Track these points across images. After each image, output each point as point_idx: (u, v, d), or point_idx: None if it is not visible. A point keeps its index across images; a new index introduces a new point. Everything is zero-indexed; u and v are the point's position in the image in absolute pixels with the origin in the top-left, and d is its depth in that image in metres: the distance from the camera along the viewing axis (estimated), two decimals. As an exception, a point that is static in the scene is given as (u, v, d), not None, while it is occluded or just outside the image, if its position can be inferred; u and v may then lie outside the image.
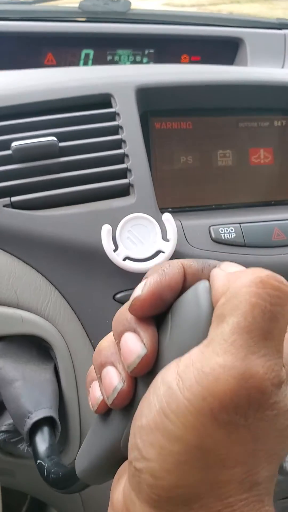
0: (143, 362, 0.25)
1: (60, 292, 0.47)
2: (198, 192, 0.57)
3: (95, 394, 0.28)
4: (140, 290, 0.26)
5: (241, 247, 0.48)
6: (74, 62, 0.90)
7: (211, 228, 0.49)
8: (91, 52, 0.90)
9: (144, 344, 0.25)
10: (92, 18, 0.90)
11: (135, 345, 0.25)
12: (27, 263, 0.47)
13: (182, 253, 0.47)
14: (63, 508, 0.63)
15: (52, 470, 0.36)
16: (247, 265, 0.48)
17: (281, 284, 0.22)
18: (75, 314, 0.47)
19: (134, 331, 0.26)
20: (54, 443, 0.40)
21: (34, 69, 0.62)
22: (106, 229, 0.45)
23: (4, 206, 0.46)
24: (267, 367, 0.21)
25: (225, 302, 0.23)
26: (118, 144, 0.50)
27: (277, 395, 0.21)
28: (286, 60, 0.90)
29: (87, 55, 0.90)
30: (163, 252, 0.46)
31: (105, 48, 0.90)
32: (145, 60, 0.92)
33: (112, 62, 0.91)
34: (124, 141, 0.50)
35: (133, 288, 0.46)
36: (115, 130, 0.51)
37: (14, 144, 0.48)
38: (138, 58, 0.92)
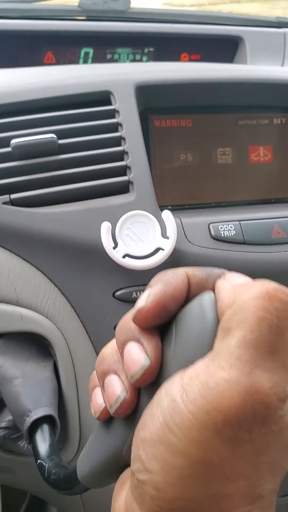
0: (147, 373, 0.25)
1: (59, 290, 0.47)
2: (197, 190, 0.57)
3: (97, 401, 0.28)
4: (144, 301, 0.26)
5: (241, 245, 0.48)
6: (74, 61, 0.90)
7: (210, 226, 0.49)
8: (90, 51, 0.90)
9: (147, 354, 0.25)
10: (92, 16, 0.90)
11: (138, 355, 0.25)
12: (26, 261, 0.47)
13: (182, 250, 0.47)
14: (63, 506, 0.63)
15: (53, 471, 0.35)
16: (246, 262, 0.49)
17: None
18: (75, 311, 0.47)
19: (138, 341, 0.26)
20: (54, 442, 0.40)
21: (34, 67, 0.62)
22: (105, 226, 0.45)
23: (4, 203, 0.46)
24: (273, 382, 0.21)
25: (231, 315, 0.22)
26: (118, 141, 0.50)
27: (282, 410, 0.21)
28: (285, 59, 0.90)
29: (86, 54, 0.90)
30: (163, 250, 0.46)
31: (104, 47, 0.90)
32: (144, 58, 0.92)
33: (112, 60, 0.91)
34: (124, 139, 0.50)
35: (132, 286, 0.47)
36: (115, 127, 0.51)
37: (13, 141, 0.48)
38: (137, 57, 0.91)
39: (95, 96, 0.53)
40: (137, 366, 0.25)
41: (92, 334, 0.47)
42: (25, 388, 0.43)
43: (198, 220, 0.49)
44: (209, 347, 0.23)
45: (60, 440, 0.48)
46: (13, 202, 0.47)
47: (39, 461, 0.38)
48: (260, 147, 0.59)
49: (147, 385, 0.25)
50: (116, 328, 0.28)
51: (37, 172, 0.48)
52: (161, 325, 0.27)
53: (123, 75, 0.55)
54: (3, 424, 0.45)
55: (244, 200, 0.58)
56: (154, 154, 0.56)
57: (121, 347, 0.26)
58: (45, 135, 0.48)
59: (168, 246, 0.46)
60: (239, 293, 0.23)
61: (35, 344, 0.48)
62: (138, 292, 0.47)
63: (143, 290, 0.46)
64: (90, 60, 0.90)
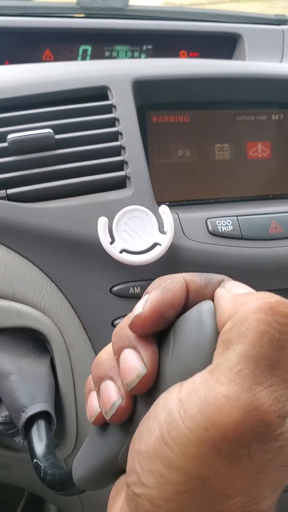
0: (143, 381, 0.24)
1: (56, 285, 0.47)
2: (195, 186, 0.57)
3: (93, 405, 0.28)
4: (141, 308, 0.25)
5: (238, 240, 0.48)
6: (72, 58, 0.90)
7: (208, 221, 0.49)
8: (89, 48, 0.89)
9: (144, 363, 0.24)
10: (90, 14, 0.90)
11: (135, 363, 0.25)
12: (23, 256, 0.46)
13: (179, 245, 0.47)
14: (61, 503, 0.62)
15: (49, 471, 0.35)
16: (244, 257, 0.48)
17: None
18: (72, 307, 0.47)
19: (135, 348, 0.25)
20: (50, 440, 0.40)
21: (31, 63, 0.62)
22: (102, 221, 0.45)
23: (0, 198, 0.46)
24: (273, 398, 0.20)
25: (231, 328, 0.22)
26: (115, 136, 0.50)
27: (283, 427, 0.21)
28: (284, 56, 0.90)
29: (85, 51, 0.89)
30: (160, 245, 0.46)
31: (103, 44, 0.90)
32: (143, 56, 0.91)
33: (110, 58, 0.91)
34: (121, 133, 0.50)
35: (129, 281, 0.47)
36: (112, 122, 0.51)
37: (10, 136, 0.47)
38: (136, 54, 0.91)
39: (92, 91, 0.52)
40: (133, 374, 0.24)
41: (89, 329, 0.47)
42: (21, 384, 0.43)
43: (195, 216, 0.49)
44: (208, 358, 0.23)
45: (57, 436, 0.48)
46: (9, 197, 0.46)
47: (35, 460, 0.37)
48: (258, 143, 0.59)
49: (143, 393, 0.25)
50: (113, 334, 0.27)
51: (34, 167, 0.48)
52: (159, 333, 0.26)
53: (120, 70, 0.54)
54: (-1, 420, 0.45)
55: (242, 196, 0.58)
56: (151, 150, 0.56)
57: (117, 353, 0.26)
58: (41, 130, 0.48)
59: (165, 241, 0.46)
60: (239, 304, 0.23)
61: (32, 340, 0.47)
62: (135, 288, 0.46)
63: (140, 286, 0.46)
64: (88, 57, 0.90)
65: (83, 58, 0.90)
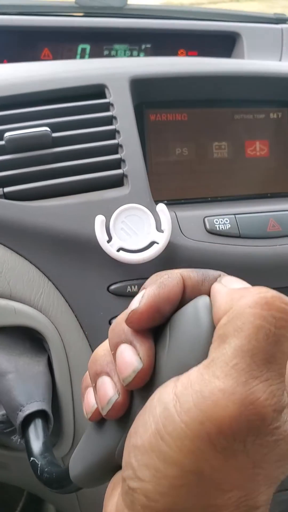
0: (139, 376, 0.24)
1: (53, 284, 0.46)
2: (193, 184, 0.57)
3: (90, 402, 0.28)
4: (137, 302, 0.25)
5: (236, 238, 0.48)
6: (71, 57, 0.89)
7: (205, 219, 0.49)
8: (87, 47, 0.89)
9: (140, 358, 0.24)
10: (89, 13, 0.89)
11: (131, 358, 0.25)
12: (20, 254, 0.46)
13: (177, 244, 0.47)
14: (58, 502, 0.62)
15: (46, 469, 0.35)
16: (242, 256, 0.48)
17: (286, 306, 0.22)
18: (69, 305, 0.47)
19: (131, 343, 0.25)
20: (47, 438, 0.40)
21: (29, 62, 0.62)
22: (99, 219, 0.45)
23: (-3, 196, 0.46)
24: (268, 392, 0.20)
25: (227, 322, 0.22)
26: (112, 134, 0.50)
27: (278, 421, 0.21)
28: (283, 55, 0.89)
29: (83, 50, 0.89)
30: (157, 243, 0.46)
31: (101, 43, 0.90)
32: (141, 55, 0.91)
33: (109, 56, 0.90)
34: (118, 132, 0.50)
35: (127, 280, 0.46)
36: (109, 120, 0.51)
37: (7, 134, 0.47)
38: (134, 53, 0.91)
39: (90, 89, 0.52)
40: (129, 369, 0.24)
41: (86, 328, 0.47)
42: (18, 382, 0.43)
43: (193, 214, 0.49)
44: (204, 353, 0.23)
45: (54, 435, 0.48)
46: (6, 196, 0.46)
47: (32, 458, 0.37)
48: (256, 141, 0.59)
49: (140, 388, 0.25)
50: (109, 329, 0.27)
51: (31, 165, 0.47)
52: (155, 328, 0.26)
53: (118, 68, 0.54)
54: (-5, 418, 0.45)
55: (240, 195, 0.58)
56: (149, 148, 0.56)
57: (114, 348, 0.26)
58: (38, 128, 0.48)
59: (162, 239, 0.46)
60: (236, 299, 0.23)
61: (29, 339, 0.47)
62: (132, 286, 0.46)
63: (137, 284, 0.46)
64: (87, 56, 0.90)
65: (82, 57, 0.90)
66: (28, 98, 0.51)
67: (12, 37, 0.85)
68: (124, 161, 0.49)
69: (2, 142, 0.48)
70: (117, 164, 0.49)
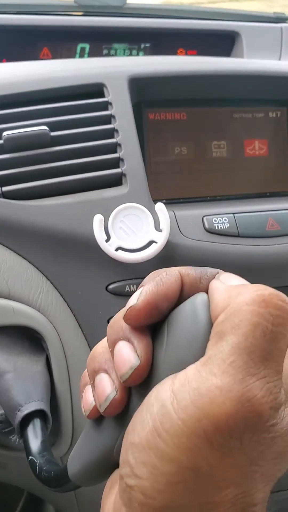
0: (136, 373, 0.24)
1: (52, 283, 0.46)
2: (192, 183, 0.57)
3: (88, 399, 0.28)
4: (135, 299, 0.25)
5: (235, 237, 0.48)
6: (70, 56, 0.89)
7: (204, 218, 0.48)
8: (86, 46, 0.89)
9: (137, 354, 0.25)
10: (88, 12, 0.89)
11: (128, 355, 0.25)
12: (18, 254, 0.46)
13: (175, 243, 0.46)
14: (57, 502, 0.62)
15: (44, 468, 0.35)
16: (240, 255, 0.48)
17: (283, 304, 0.22)
18: (67, 305, 0.47)
19: (128, 340, 0.25)
20: (46, 438, 0.40)
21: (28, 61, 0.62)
22: (98, 219, 0.45)
23: (-5, 196, 0.46)
24: (265, 390, 0.21)
25: (225, 319, 0.22)
26: (111, 133, 0.50)
27: (275, 418, 0.21)
28: (282, 54, 0.89)
29: (82, 49, 0.89)
30: (156, 242, 0.45)
31: (101, 42, 0.90)
32: (141, 54, 0.91)
33: (108, 56, 0.90)
34: (117, 131, 0.50)
35: (125, 279, 0.46)
36: (108, 119, 0.51)
37: (5, 133, 0.47)
38: (134, 52, 0.91)
39: (88, 88, 0.52)
40: (126, 365, 0.24)
41: (85, 327, 0.47)
42: (17, 382, 0.43)
43: (192, 213, 0.49)
44: (201, 350, 0.23)
45: (52, 434, 0.48)
46: (4, 195, 0.46)
47: (30, 457, 0.37)
48: (255, 140, 0.59)
49: (137, 385, 0.25)
50: (108, 327, 0.27)
51: (29, 165, 0.47)
52: (153, 325, 0.26)
53: (116, 67, 0.54)
54: (-6, 418, 0.44)
55: (238, 194, 0.58)
56: (148, 147, 0.55)
57: (112, 346, 0.26)
58: (37, 127, 0.48)
59: (161, 239, 0.45)
60: (233, 296, 0.23)
61: (27, 338, 0.47)
62: (131, 286, 0.46)
63: (136, 284, 0.46)
64: (86, 55, 0.90)
65: (81, 56, 0.90)
66: (27, 97, 0.51)
67: (11, 36, 0.85)
68: (122, 160, 0.49)
69: (1, 141, 0.48)
70: (116, 163, 0.49)
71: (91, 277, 0.46)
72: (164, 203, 0.47)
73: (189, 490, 0.21)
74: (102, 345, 0.28)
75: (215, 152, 0.58)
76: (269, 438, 0.21)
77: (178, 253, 0.46)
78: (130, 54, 0.91)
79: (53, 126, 0.49)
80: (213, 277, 0.26)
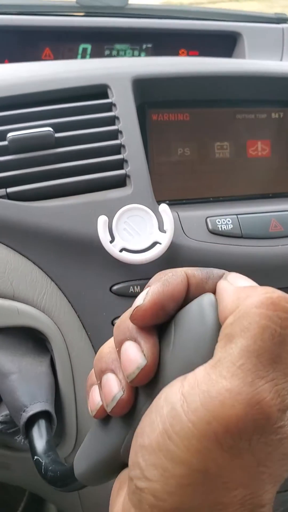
0: (143, 373, 0.25)
1: (56, 284, 0.46)
2: (195, 184, 0.57)
3: (95, 399, 0.28)
4: (141, 299, 0.26)
5: (238, 239, 0.48)
6: (72, 57, 0.89)
7: (208, 220, 0.49)
8: (88, 47, 0.89)
9: (144, 354, 0.25)
10: (90, 12, 0.89)
11: (135, 355, 0.25)
12: (23, 255, 0.46)
13: (179, 244, 0.47)
14: (61, 503, 0.62)
15: (50, 468, 0.35)
16: (244, 256, 0.48)
17: None
18: (72, 306, 0.47)
19: (135, 340, 0.26)
20: (51, 438, 0.40)
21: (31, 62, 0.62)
22: (102, 220, 0.45)
23: (0, 197, 0.46)
24: (274, 392, 0.21)
25: (233, 322, 0.22)
26: (115, 134, 0.50)
27: (282, 420, 0.21)
28: (284, 54, 0.89)
29: (84, 50, 0.89)
30: (160, 244, 0.46)
31: (102, 43, 0.90)
32: (143, 54, 0.91)
33: (110, 56, 0.90)
34: (121, 132, 0.50)
35: (129, 280, 0.46)
36: (112, 120, 0.51)
37: (10, 135, 0.47)
38: (136, 53, 0.91)
39: (92, 89, 0.52)
40: (133, 365, 0.25)
41: (89, 328, 0.47)
42: (21, 383, 0.43)
43: (195, 214, 0.49)
44: (209, 351, 0.23)
45: (57, 435, 0.48)
46: (9, 196, 0.46)
47: (36, 457, 0.37)
48: (258, 141, 0.59)
49: (144, 385, 0.25)
50: (114, 327, 0.27)
51: (34, 166, 0.47)
52: (160, 325, 0.26)
53: (120, 68, 0.54)
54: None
55: (242, 195, 0.58)
56: (151, 148, 0.56)
57: (119, 346, 0.26)
58: (41, 129, 0.48)
59: (165, 240, 0.46)
60: (242, 298, 0.23)
61: (32, 339, 0.47)
62: (135, 287, 0.46)
63: (140, 284, 0.46)
64: (88, 56, 0.90)
65: (83, 57, 0.90)
66: (31, 98, 0.51)
67: (13, 37, 0.85)
68: (126, 161, 0.49)
69: (5, 143, 0.48)
70: (120, 164, 0.49)
71: (95, 278, 0.47)
72: (167, 204, 0.47)
73: (199, 491, 0.21)
74: (109, 345, 0.28)
75: (218, 153, 0.58)
76: (277, 439, 0.21)
77: (182, 254, 0.47)
78: (132, 55, 0.91)
79: (57, 128, 0.49)
80: (219, 277, 0.27)
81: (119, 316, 0.46)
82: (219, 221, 0.48)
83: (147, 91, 0.54)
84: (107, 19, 0.88)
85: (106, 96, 0.52)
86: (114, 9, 0.90)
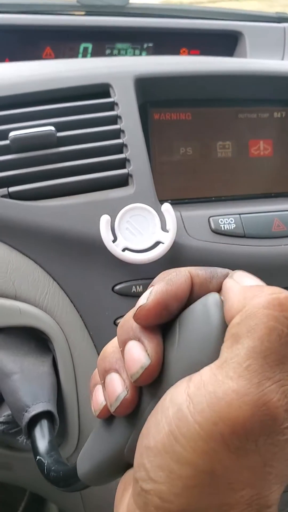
0: (147, 372, 0.24)
1: (58, 284, 0.46)
2: (197, 184, 0.57)
3: (98, 399, 0.28)
4: (145, 299, 0.25)
5: (241, 238, 0.48)
6: (73, 56, 0.89)
7: (210, 219, 0.48)
8: (89, 46, 0.89)
9: (148, 354, 0.25)
10: (91, 11, 0.89)
11: (138, 354, 0.25)
12: (24, 254, 0.46)
13: (182, 244, 0.46)
14: (63, 503, 0.62)
15: (53, 468, 0.35)
16: (247, 256, 0.48)
17: None
18: (74, 306, 0.47)
19: (139, 340, 0.25)
20: (53, 438, 0.40)
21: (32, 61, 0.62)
22: (104, 219, 0.45)
23: (2, 196, 0.46)
24: (281, 393, 0.21)
25: (240, 322, 0.22)
26: (117, 134, 0.50)
27: None
28: (285, 53, 0.89)
29: (85, 49, 0.89)
30: (163, 243, 0.45)
31: (103, 42, 0.89)
32: (144, 54, 0.91)
33: (111, 55, 0.90)
34: (123, 131, 0.50)
35: (132, 280, 0.46)
36: (114, 120, 0.50)
37: (11, 134, 0.47)
38: (137, 52, 0.91)
39: (94, 88, 0.52)
40: (137, 365, 0.25)
41: (91, 328, 0.47)
42: (24, 383, 0.43)
43: (198, 214, 0.49)
44: (215, 351, 0.23)
45: (59, 435, 0.48)
46: (11, 195, 0.46)
47: (38, 457, 0.37)
48: (260, 141, 0.59)
49: (148, 385, 0.25)
50: (118, 326, 0.27)
51: (36, 165, 0.47)
52: (164, 325, 0.26)
53: (122, 67, 0.54)
54: (1, 419, 0.44)
55: (244, 194, 0.57)
56: (153, 148, 0.55)
57: (122, 345, 0.26)
58: (43, 128, 0.48)
59: (167, 239, 0.45)
60: (249, 298, 0.23)
61: (34, 339, 0.47)
62: (137, 286, 0.46)
63: (143, 284, 0.46)
64: (89, 55, 0.89)
65: (84, 56, 0.89)
66: (32, 97, 0.51)
67: (14, 36, 0.85)
68: (129, 160, 0.48)
69: (7, 142, 0.47)
70: (122, 163, 0.49)
71: (98, 278, 0.46)
72: (170, 203, 0.47)
73: (205, 493, 0.21)
74: (112, 345, 0.28)
75: (220, 152, 0.58)
76: (284, 440, 0.21)
77: (185, 254, 0.46)
78: (133, 54, 0.91)
79: (60, 127, 0.49)
80: (223, 277, 0.27)
81: (121, 316, 0.46)
82: (221, 221, 0.48)
83: (149, 90, 0.54)
84: (108, 18, 0.88)
85: (108, 95, 0.52)
86: (115, 8, 0.89)
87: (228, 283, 0.25)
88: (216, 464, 0.21)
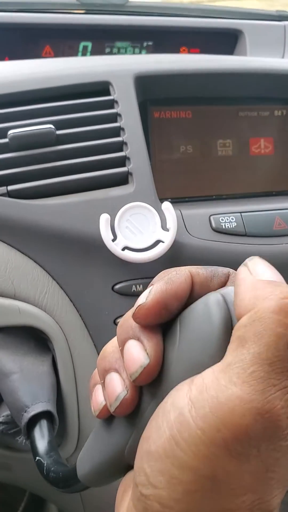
0: (146, 372, 0.24)
1: (57, 283, 0.46)
2: (198, 182, 0.56)
3: (98, 399, 0.28)
4: (144, 298, 0.25)
5: (242, 237, 0.48)
6: (72, 54, 0.89)
7: (211, 218, 0.48)
8: (89, 45, 0.89)
9: (147, 353, 0.24)
10: (91, 10, 0.89)
11: (137, 354, 0.25)
12: (24, 253, 0.46)
13: (182, 242, 0.46)
14: (62, 504, 0.62)
15: (52, 469, 0.35)
16: (248, 254, 0.47)
17: None
18: (73, 305, 0.46)
19: (138, 339, 0.25)
20: (53, 438, 0.40)
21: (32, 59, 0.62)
22: (104, 218, 0.44)
23: (1, 195, 0.45)
24: (285, 400, 0.20)
25: (248, 324, 0.22)
26: (117, 131, 0.49)
27: None
28: (286, 52, 0.89)
29: (85, 48, 0.89)
30: (163, 242, 0.45)
31: (103, 41, 0.89)
32: (143, 52, 0.91)
33: (111, 54, 0.90)
34: (123, 129, 0.49)
35: (132, 279, 0.46)
36: (114, 117, 0.50)
37: (10, 132, 0.47)
38: (136, 51, 0.91)
39: (94, 86, 0.52)
40: (136, 364, 0.24)
41: (91, 328, 0.46)
42: (23, 383, 0.43)
43: (198, 212, 0.49)
44: (216, 352, 0.23)
45: (58, 436, 0.47)
46: (10, 194, 0.46)
47: (37, 458, 0.37)
48: (261, 139, 0.59)
49: (148, 384, 0.25)
50: (117, 326, 0.27)
51: (35, 164, 0.47)
52: (165, 324, 0.26)
53: (122, 65, 0.54)
54: (0, 419, 0.44)
55: (245, 193, 0.57)
56: (153, 146, 0.55)
57: (122, 345, 0.26)
58: (42, 126, 0.47)
59: (168, 238, 0.45)
60: (260, 298, 0.22)
61: (33, 339, 0.47)
62: (137, 286, 0.46)
63: (143, 283, 0.46)
64: (88, 53, 0.89)
65: (83, 55, 0.89)
66: (32, 95, 0.51)
67: (13, 34, 0.85)
68: (128, 158, 0.48)
69: (6, 140, 0.47)
70: (122, 161, 0.48)
71: (97, 277, 0.46)
72: (170, 202, 0.47)
73: (206, 498, 0.21)
74: (112, 344, 0.28)
75: (220, 150, 0.57)
76: (286, 445, 0.21)
77: (185, 253, 0.46)
78: (133, 52, 0.90)
79: (59, 125, 0.48)
80: (224, 276, 0.26)
81: (121, 316, 0.46)
82: (222, 219, 0.48)
83: (149, 88, 0.54)
84: (107, 16, 0.88)
85: (108, 93, 0.52)
86: (114, 7, 0.89)
87: (241, 273, 0.24)
88: (217, 469, 0.20)
